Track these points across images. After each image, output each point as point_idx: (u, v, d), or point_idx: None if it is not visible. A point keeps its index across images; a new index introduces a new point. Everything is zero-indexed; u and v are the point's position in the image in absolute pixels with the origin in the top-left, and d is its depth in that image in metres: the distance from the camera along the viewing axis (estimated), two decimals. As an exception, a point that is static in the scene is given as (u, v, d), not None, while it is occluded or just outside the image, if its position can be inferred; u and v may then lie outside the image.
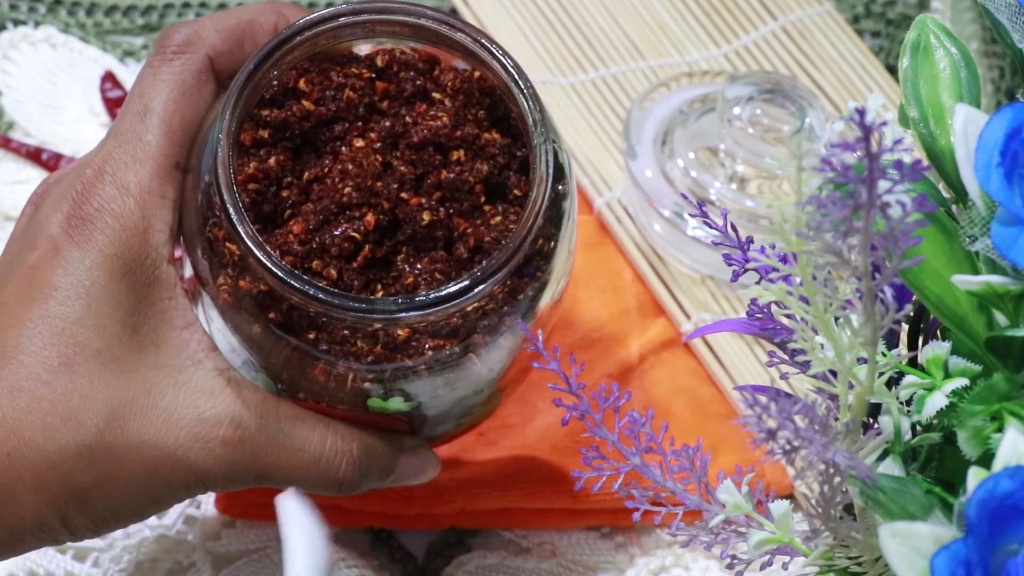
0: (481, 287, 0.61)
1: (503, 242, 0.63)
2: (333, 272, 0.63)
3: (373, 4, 0.65)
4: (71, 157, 0.87)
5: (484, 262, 0.62)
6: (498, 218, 0.65)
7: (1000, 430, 0.52)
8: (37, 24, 0.92)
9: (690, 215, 0.73)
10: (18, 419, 0.61)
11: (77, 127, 0.89)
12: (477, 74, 0.66)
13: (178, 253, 0.66)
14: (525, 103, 0.64)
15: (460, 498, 0.77)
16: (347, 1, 0.67)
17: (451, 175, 0.64)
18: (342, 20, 0.65)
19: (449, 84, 0.66)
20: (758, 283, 0.55)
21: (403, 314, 0.61)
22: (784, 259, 0.53)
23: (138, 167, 0.64)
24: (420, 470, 0.69)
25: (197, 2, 0.94)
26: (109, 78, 0.89)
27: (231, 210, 0.61)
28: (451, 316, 0.62)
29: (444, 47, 0.66)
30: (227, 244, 0.62)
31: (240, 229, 0.61)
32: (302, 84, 0.65)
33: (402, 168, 0.64)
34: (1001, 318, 0.54)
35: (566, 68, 0.92)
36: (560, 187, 0.65)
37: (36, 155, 0.87)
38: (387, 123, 0.65)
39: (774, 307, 0.58)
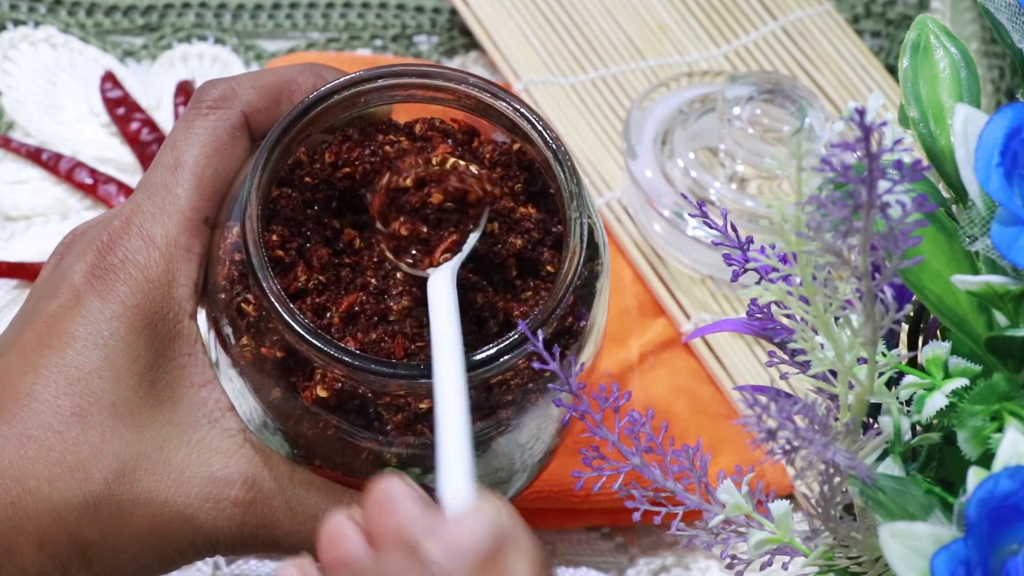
0: (507, 357, 0.60)
1: (531, 314, 0.61)
2: (360, 339, 0.62)
3: (413, 67, 0.64)
4: (71, 157, 0.87)
5: (512, 333, 0.60)
6: (528, 293, 0.63)
7: (1000, 430, 0.52)
8: (37, 24, 0.92)
9: (690, 215, 0.73)
10: (24, 468, 0.60)
11: (77, 127, 0.89)
12: (516, 146, 0.65)
13: (201, 312, 0.64)
14: (562, 175, 0.63)
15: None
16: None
17: (484, 248, 0.63)
18: (380, 83, 0.64)
19: (487, 156, 0.65)
20: (758, 283, 0.55)
21: (425, 380, 0.58)
22: (784, 259, 0.53)
23: (166, 220, 0.63)
24: None
25: (197, 2, 0.94)
26: (109, 78, 0.89)
27: (257, 267, 0.60)
28: (474, 387, 0.60)
29: (484, 116, 0.65)
30: (251, 304, 0.61)
31: (264, 285, 0.60)
32: (330, 156, 0.64)
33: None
34: (1001, 318, 0.54)
35: (566, 68, 0.92)
36: (595, 265, 0.64)
37: (36, 155, 0.87)
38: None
39: (774, 307, 0.58)
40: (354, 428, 0.61)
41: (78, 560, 0.60)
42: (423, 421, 0.61)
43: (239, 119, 0.64)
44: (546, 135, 0.63)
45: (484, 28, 0.92)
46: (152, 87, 0.90)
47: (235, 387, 0.63)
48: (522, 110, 0.64)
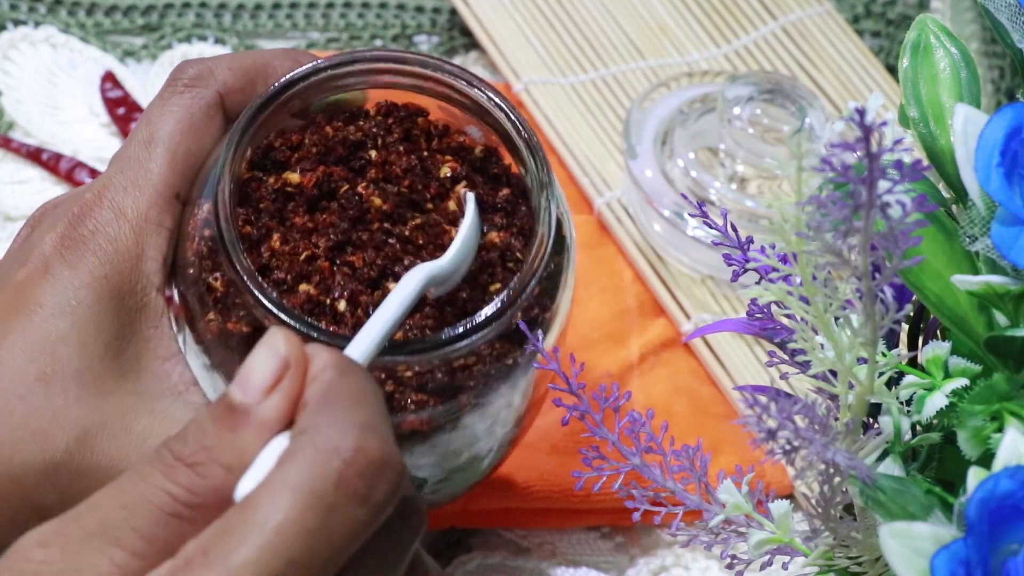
0: (472, 338, 0.60)
1: (498, 296, 0.62)
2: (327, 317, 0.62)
3: (389, 53, 0.65)
4: (71, 157, 0.87)
5: (478, 314, 0.61)
6: (497, 285, 0.64)
7: (1000, 430, 0.52)
8: (37, 24, 0.92)
9: (690, 215, 0.73)
10: None
11: (77, 127, 0.89)
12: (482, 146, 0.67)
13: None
14: (534, 164, 0.64)
15: (460, 498, 0.77)
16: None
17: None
18: (355, 67, 0.64)
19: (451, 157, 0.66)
20: (758, 283, 0.55)
21: (387, 357, 0.60)
22: (784, 259, 0.53)
23: (137, 194, 0.63)
24: None
25: (197, 2, 0.94)
26: (109, 78, 0.89)
27: (228, 242, 0.60)
28: (436, 368, 0.61)
29: (458, 105, 0.66)
30: (218, 280, 0.62)
31: (234, 259, 0.60)
32: (305, 140, 0.65)
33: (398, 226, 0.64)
34: (1001, 318, 0.54)
35: (566, 68, 0.92)
36: (561, 258, 0.64)
37: (36, 155, 0.87)
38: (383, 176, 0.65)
39: (774, 307, 0.58)
40: None
41: (34, 523, 0.59)
42: (389, 398, 0.61)
43: (214, 98, 0.65)
44: (519, 124, 0.64)
45: (484, 28, 0.92)
46: (152, 87, 0.90)
47: (199, 363, 0.63)
48: (496, 99, 0.64)
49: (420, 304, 0.62)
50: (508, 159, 0.67)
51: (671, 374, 0.83)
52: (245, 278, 0.60)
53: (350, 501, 0.48)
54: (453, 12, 0.94)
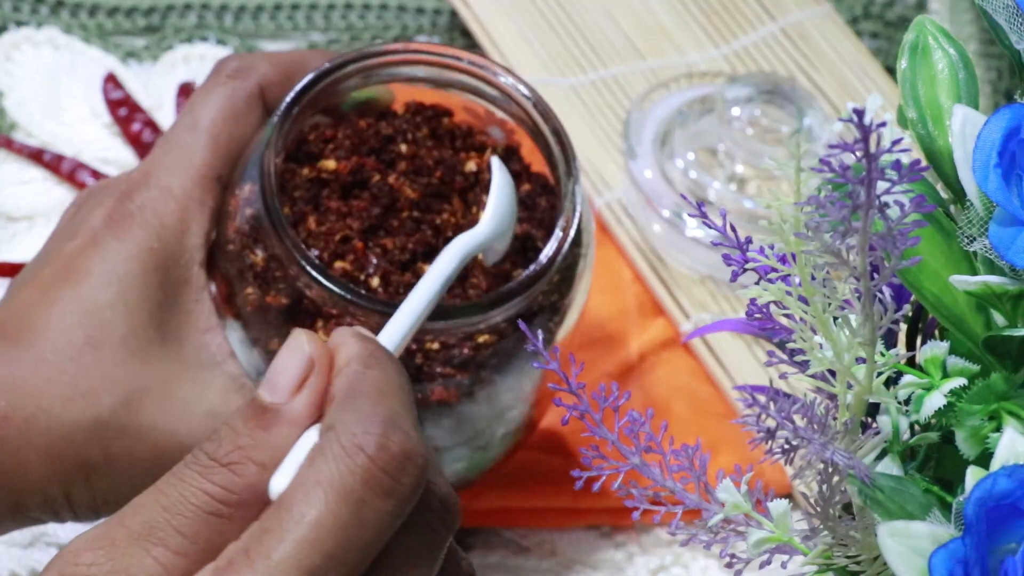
0: (494, 310, 0.63)
1: (523, 274, 0.65)
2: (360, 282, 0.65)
3: (420, 44, 0.68)
4: (73, 158, 0.87)
5: (503, 287, 0.64)
6: (518, 271, 0.67)
7: (998, 429, 0.52)
8: (39, 25, 0.92)
9: (689, 215, 0.73)
10: (39, 388, 0.63)
11: (79, 128, 0.89)
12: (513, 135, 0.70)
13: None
14: (559, 152, 0.67)
15: (460, 498, 0.77)
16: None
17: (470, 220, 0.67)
18: (389, 57, 0.67)
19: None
20: (757, 283, 0.55)
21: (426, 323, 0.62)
22: (783, 259, 0.53)
23: (182, 173, 0.66)
24: None
25: (199, 3, 0.94)
26: (111, 79, 0.89)
27: (273, 215, 0.63)
28: (460, 342, 0.64)
29: (486, 98, 0.69)
30: (258, 255, 0.64)
31: (280, 232, 0.63)
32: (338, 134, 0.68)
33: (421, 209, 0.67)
34: (999, 318, 0.54)
35: (566, 69, 0.92)
36: (578, 250, 0.67)
37: (38, 156, 0.87)
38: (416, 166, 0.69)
39: (773, 307, 0.58)
40: None
41: (81, 479, 0.63)
42: (417, 373, 0.64)
43: (255, 89, 0.68)
44: (547, 113, 0.68)
45: (484, 29, 0.93)
46: (154, 88, 0.90)
47: (237, 337, 0.65)
48: (524, 90, 0.68)
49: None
50: (528, 159, 0.70)
51: (671, 374, 0.83)
52: (290, 247, 0.63)
53: (377, 495, 0.50)
54: (453, 13, 0.94)
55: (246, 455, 0.51)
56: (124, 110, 0.88)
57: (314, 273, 0.62)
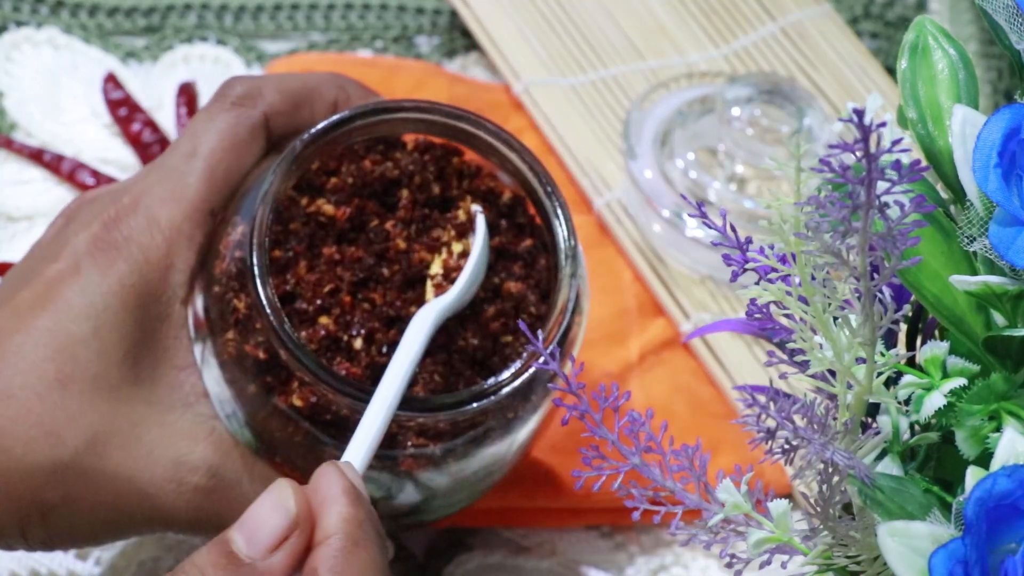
0: (475, 405, 0.63)
1: (510, 365, 0.64)
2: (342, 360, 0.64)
3: (431, 104, 0.66)
4: (73, 158, 0.87)
5: (490, 379, 0.63)
6: (509, 338, 0.66)
7: (998, 429, 0.52)
8: (39, 25, 0.92)
9: (689, 215, 0.73)
10: (3, 426, 0.61)
11: (79, 128, 0.89)
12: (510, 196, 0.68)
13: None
14: (563, 232, 0.65)
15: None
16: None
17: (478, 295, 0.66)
18: (404, 115, 0.66)
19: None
20: (757, 283, 0.55)
21: (404, 411, 0.62)
22: (783, 259, 0.53)
23: (173, 205, 0.64)
24: None
25: (199, 4, 0.94)
26: (111, 79, 0.89)
27: (257, 272, 0.61)
28: (439, 422, 0.63)
29: (495, 161, 0.68)
30: (242, 302, 0.63)
31: (261, 291, 0.61)
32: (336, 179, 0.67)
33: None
34: (999, 318, 0.54)
35: (566, 68, 0.92)
36: (575, 318, 0.66)
37: (38, 156, 0.87)
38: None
39: (773, 307, 0.58)
40: (322, 436, 0.63)
41: (37, 519, 0.62)
42: (393, 439, 0.63)
43: (260, 119, 0.66)
44: (554, 194, 0.66)
45: (484, 29, 0.93)
46: (154, 88, 0.90)
47: (213, 375, 0.64)
48: (535, 167, 0.66)
49: (429, 350, 0.63)
50: (533, 209, 0.68)
51: (670, 374, 0.83)
52: (268, 311, 0.61)
53: None
54: (454, 13, 0.94)
55: None
56: (124, 110, 0.88)
57: (289, 346, 0.61)
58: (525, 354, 0.63)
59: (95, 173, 0.87)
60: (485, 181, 0.68)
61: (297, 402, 0.63)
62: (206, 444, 0.63)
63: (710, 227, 0.59)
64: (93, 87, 0.90)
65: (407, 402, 0.61)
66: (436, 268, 0.66)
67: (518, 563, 0.77)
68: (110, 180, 0.86)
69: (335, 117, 0.65)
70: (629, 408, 0.58)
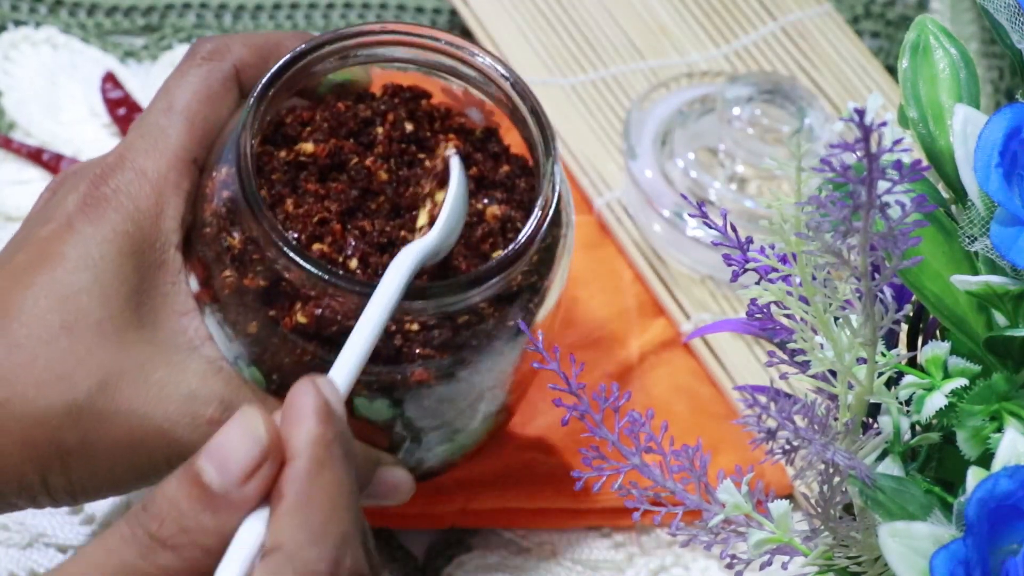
0: (473, 290, 0.63)
1: (505, 250, 0.65)
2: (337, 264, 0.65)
3: (397, 25, 0.68)
4: (72, 158, 0.87)
5: (482, 266, 0.65)
6: (499, 251, 0.67)
7: (999, 430, 0.52)
8: (38, 24, 0.92)
9: (690, 215, 0.73)
10: (13, 373, 0.62)
11: (78, 128, 0.89)
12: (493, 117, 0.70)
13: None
14: (537, 131, 0.67)
15: (460, 498, 0.77)
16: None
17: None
18: (365, 38, 0.67)
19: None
20: (758, 283, 0.55)
21: (403, 301, 0.62)
22: (784, 259, 0.53)
23: (157, 156, 0.66)
24: (394, 488, 0.69)
25: (198, 3, 0.94)
26: (110, 79, 0.89)
27: (250, 197, 0.63)
28: (442, 324, 0.64)
29: (461, 78, 0.69)
30: (235, 238, 0.64)
31: (257, 214, 0.63)
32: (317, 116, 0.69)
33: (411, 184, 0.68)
34: (1000, 318, 0.54)
35: (566, 68, 0.92)
36: (557, 231, 0.67)
37: (37, 155, 0.87)
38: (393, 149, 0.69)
39: (774, 307, 0.58)
40: (329, 356, 0.63)
41: (57, 466, 0.63)
42: (395, 353, 0.64)
43: (231, 71, 0.68)
44: (524, 93, 0.67)
45: (484, 28, 0.93)
46: (153, 88, 0.90)
47: (214, 320, 0.65)
48: (501, 69, 0.68)
49: (420, 273, 0.64)
50: (507, 140, 0.70)
51: (671, 374, 0.83)
52: (268, 228, 0.62)
53: None
54: (453, 13, 0.94)
55: (191, 539, 0.51)
56: (123, 110, 0.88)
57: (292, 254, 0.62)
58: (513, 244, 0.64)
59: (94, 173, 0.86)
60: (456, 120, 0.70)
61: (302, 319, 0.63)
62: (216, 380, 0.64)
63: (710, 227, 0.59)
64: (92, 86, 0.90)
65: (410, 293, 0.62)
66: (423, 220, 0.67)
67: (518, 563, 0.77)
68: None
69: (302, 46, 0.66)
70: (629, 408, 0.58)
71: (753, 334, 0.59)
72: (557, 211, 0.67)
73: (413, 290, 0.62)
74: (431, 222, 0.66)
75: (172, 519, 0.51)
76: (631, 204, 0.87)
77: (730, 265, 0.58)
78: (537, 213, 0.65)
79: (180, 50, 0.92)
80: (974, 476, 0.50)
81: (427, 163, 0.69)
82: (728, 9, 0.94)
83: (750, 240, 0.58)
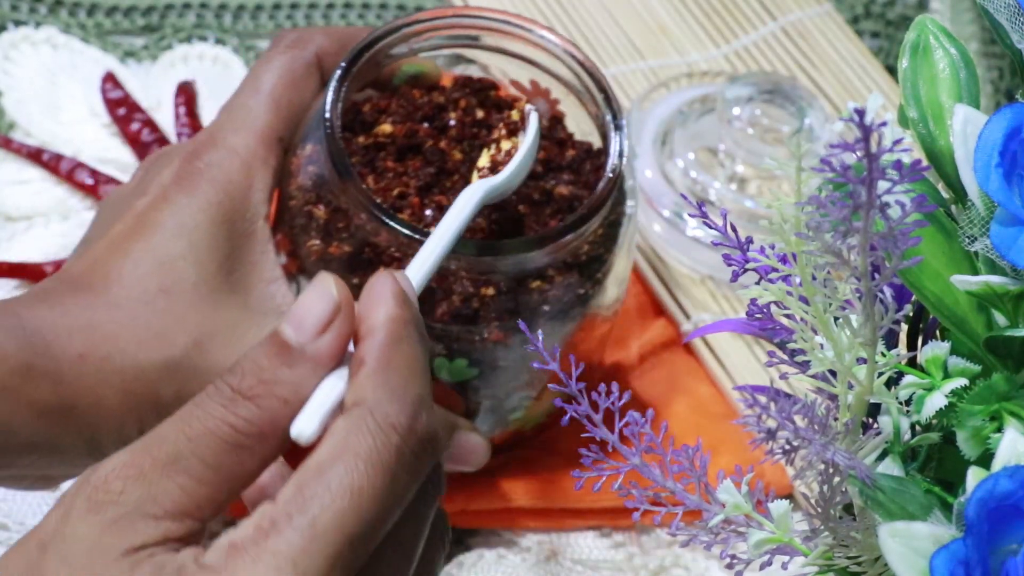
0: (546, 247, 0.67)
1: (575, 210, 0.69)
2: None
3: (469, 10, 0.73)
4: (72, 158, 0.87)
5: (551, 228, 0.69)
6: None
7: (999, 430, 0.52)
8: (38, 24, 0.92)
9: (690, 215, 0.73)
10: (115, 331, 0.66)
11: (78, 128, 0.89)
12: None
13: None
14: (604, 102, 0.71)
15: (460, 498, 0.77)
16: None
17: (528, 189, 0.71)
18: (438, 21, 0.72)
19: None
20: (758, 283, 0.55)
21: (482, 256, 0.67)
22: (784, 259, 0.53)
23: (246, 133, 0.70)
24: (471, 453, 0.71)
25: (198, 3, 0.94)
26: (110, 79, 0.89)
27: (340, 164, 0.67)
28: (515, 288, 0.68)
29: (528, 62, 0.74)
30: (321, 208, 0.69)
31: (348, 180, 0.67)
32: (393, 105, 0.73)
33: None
34: (1000, 318, 0.54)
35: (566, 68, 0.92)
36: (621, 209, 0.71)
37: (37, 155, 0.87)
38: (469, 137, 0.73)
39: (773, 307, 0.58)
40: None
41: (153, 416, 0.65)
42: (474, 314, 0.68)
43: (312, 58, 0.73)
44: (594, 73, 0.72)
45: (484, 29, 0.92)
46: (153, 88, 0.90)
47: (299, 288, 0.69)
48: (572, 51, 0.72)
49: (474, 229, 0.69)
50: (570, 129, 0.74)
51: (671, 374, 0.83)
52: (356, 192, 0.67)
53: (405, 471, 0.53)
54: (453, 13, 0.94)
55: (269, 390, 0.53)
56: (123, 110, 0.88)
57: (381, 215, 0.66)
58: (580, 208, 0.68)
59: (94, 172, 0.86)
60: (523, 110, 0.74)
61: None
62: None
63: (710, 227, 0.59)
64: (92, 86, 0.90)
65: (486, 250, 0.67)
66: (484, 161, 0.71)
67: (518, 563, 0.77)
68: (109, 179, 0.86)
69: (380, 29, 0.71)
70: (629, 408, 0.58)
71: (753, 334, 0.59)
72: (622, 191, 0.70)
73: (490, 247, 0.67)
74: (492, 166, 0.69)
75: (252, 373, 0.53)
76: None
77: (730, 265, 0.58)
78: (608, 176, 0.69)
79: (180, 50, 0.92)
80: (974, 476, 0.50)
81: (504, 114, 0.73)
82: (728, 9, 0.94)
83: (750, 240, 0.58)
